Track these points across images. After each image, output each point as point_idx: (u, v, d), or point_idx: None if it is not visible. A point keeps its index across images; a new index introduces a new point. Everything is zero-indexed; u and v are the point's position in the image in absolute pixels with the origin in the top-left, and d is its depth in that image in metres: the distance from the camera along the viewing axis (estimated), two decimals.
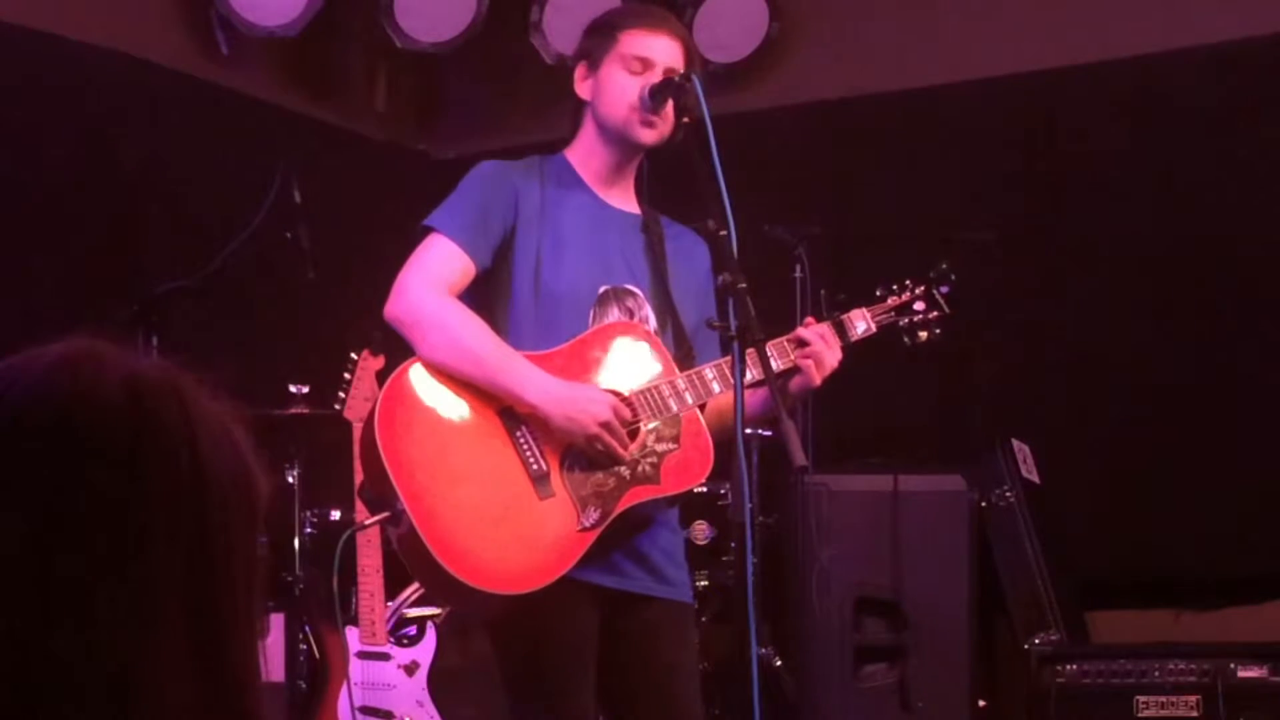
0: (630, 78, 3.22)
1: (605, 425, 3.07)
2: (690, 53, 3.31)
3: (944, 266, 3.46)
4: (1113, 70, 5.45)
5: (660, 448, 3.17)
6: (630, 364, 3.20)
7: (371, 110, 6.39)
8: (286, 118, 5.87)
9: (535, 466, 3.09)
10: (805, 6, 5.90)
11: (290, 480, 4.76)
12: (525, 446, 3.10)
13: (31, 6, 5.00)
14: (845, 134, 5.79)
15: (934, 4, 5.76)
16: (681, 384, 3.18)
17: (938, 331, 3.44)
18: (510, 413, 3.11)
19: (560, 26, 5.82)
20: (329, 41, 5.98)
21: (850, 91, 5.79)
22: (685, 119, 3.12)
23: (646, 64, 3.22)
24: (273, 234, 4.67)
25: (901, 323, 3.42)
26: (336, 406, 4.42)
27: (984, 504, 4.97)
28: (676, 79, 3.16)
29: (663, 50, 3.24)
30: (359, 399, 4.39)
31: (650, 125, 3.24)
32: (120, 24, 5.32)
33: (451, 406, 3.10)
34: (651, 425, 3.16)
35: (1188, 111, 5.37)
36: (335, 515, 4.79)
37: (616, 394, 3.14)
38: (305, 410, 4.70)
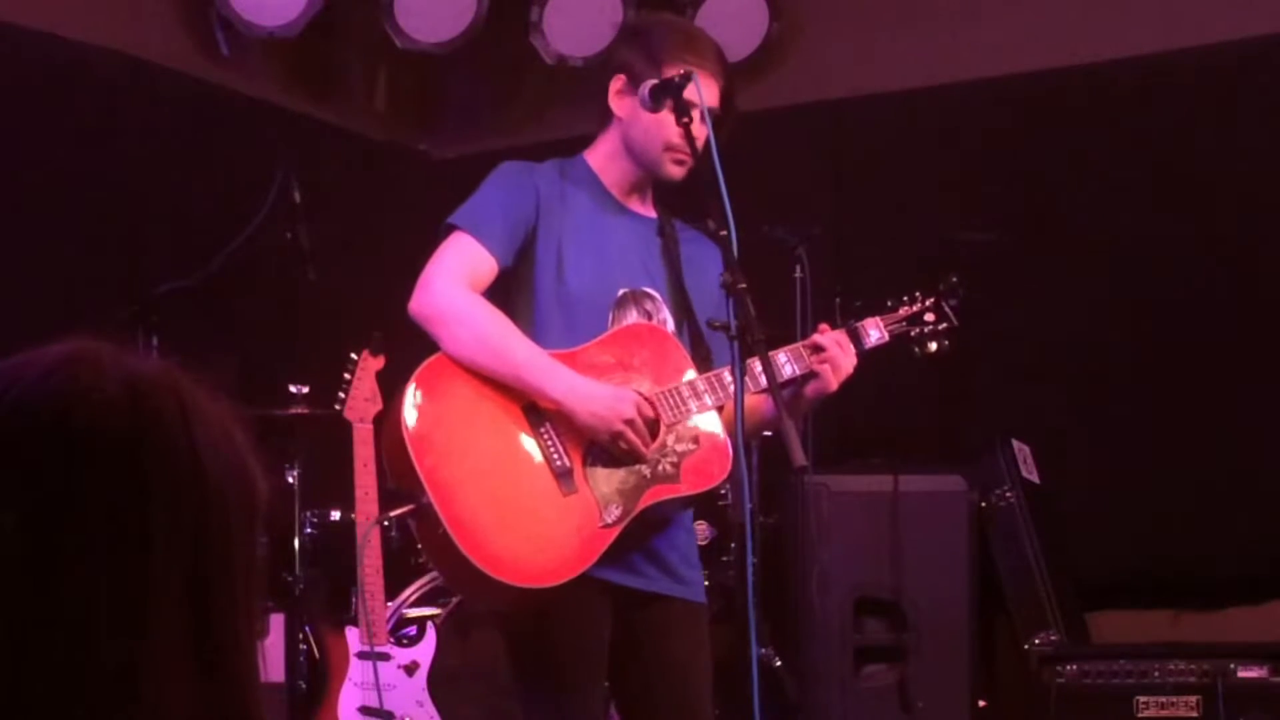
0: (670, 115, 3.16)
1: (629, 423, 3.08)
2: (729, 87, 3.26)
3: (954, 280, 3.46)
4: (1113, 70, 5.45)
5: (680, 448, 3.18)
6: (650, 365, 3.21)
7: (371, 110, 6.39)
8: (286, 118, 5.86)
9: (559, 462, 3.10)
10: (805, 6, 5.90)
11: (290, 480, 4.75)
12: (549, 442, 3.11)
13: (31, 6, 5.00)
14: (845, 134, 5.79)
15: (934, 4, 5.76)
16: (701, 385, 3.19)
17: (946, 343, 3.45)
18: (534, 408, 3.13)
19: (560, 26, 5.82)
20: (329, 41, 5.98)
21: (850, 91, 5.79)
22: (685, 119, 3.12)
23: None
24: (273, 234, 4.66)
25: (912, 333, 3.43)
26: (336, 407, 4.41)
27: (984, 504, 4.97)
28: (676, 79, 3.14)
29: (708, 94, 3.17)
30: (359, 399, 4.39)
31: (681, 164, 3.24)
32: (120, 24, 5.32)
33: (476, 401, 3.12)
34: (674, 425, 3.17)
35: (1187, 111, 5.37)
36: (335, 515, 4.79)
37: (638, 393, 3.15)
38: (305, 410, 4.69)
